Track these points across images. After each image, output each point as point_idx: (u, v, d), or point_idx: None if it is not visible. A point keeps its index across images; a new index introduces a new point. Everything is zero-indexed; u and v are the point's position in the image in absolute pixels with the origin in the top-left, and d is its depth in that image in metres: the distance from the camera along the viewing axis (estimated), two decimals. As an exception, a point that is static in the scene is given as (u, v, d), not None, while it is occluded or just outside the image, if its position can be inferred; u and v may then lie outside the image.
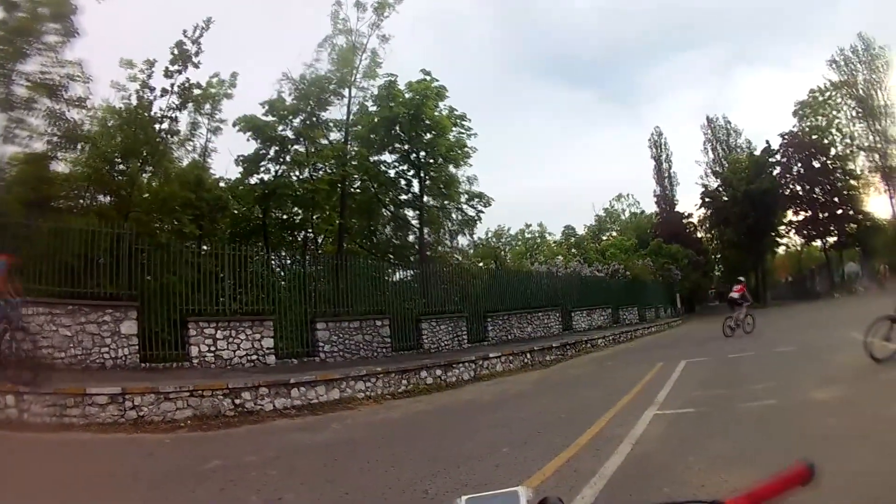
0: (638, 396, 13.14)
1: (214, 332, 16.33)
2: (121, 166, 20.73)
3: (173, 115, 21.66)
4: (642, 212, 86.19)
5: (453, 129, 30.26)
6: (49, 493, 7.16)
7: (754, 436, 8.44)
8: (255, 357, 16.89)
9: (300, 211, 26.90)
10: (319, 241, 30.54)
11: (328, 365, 18.01)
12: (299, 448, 10.11)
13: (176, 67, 21.16)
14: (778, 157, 66.26)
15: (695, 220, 75.30)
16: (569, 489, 6.64)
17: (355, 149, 28.16)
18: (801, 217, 66.80)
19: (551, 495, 1.68)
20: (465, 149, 31.01)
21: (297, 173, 25.64)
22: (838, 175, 63.23)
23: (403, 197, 31.34)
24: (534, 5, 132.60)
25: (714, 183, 73.16)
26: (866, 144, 62.69)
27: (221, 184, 25.01)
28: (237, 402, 12.60)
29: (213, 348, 16.18)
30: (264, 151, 25.16)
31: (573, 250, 66.77)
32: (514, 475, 7.32)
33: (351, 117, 27.77)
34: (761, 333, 25.72)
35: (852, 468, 6.05)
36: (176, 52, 21.16)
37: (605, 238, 75.97)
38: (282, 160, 25.33)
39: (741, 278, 32.91)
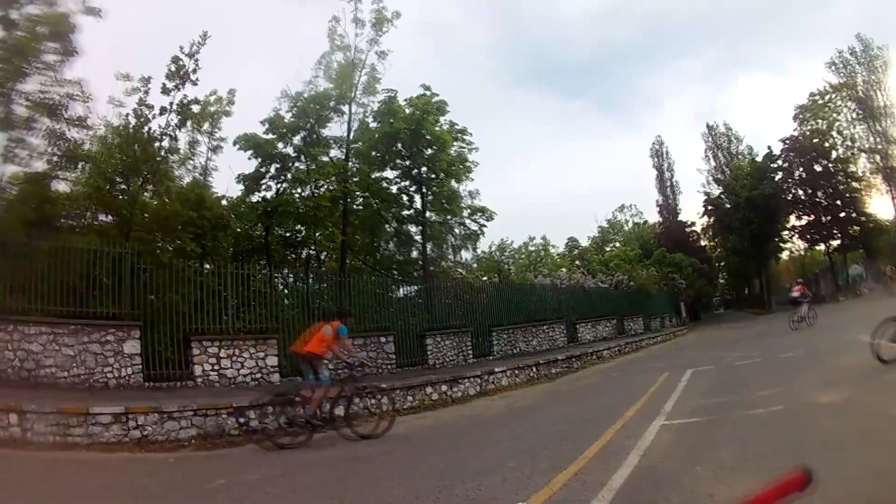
0: (645, 407, 13.06)
1: (218, 350, 16.29)
2: (122, 185, 20.67)
3: (173, 133, 21.53)
4: (645, 221, 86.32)
5: (454, 143, 30.29)
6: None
7: (762, 443, 8.36)
8: (259, 375, 16.81)
9: (302, 228, 26.86)
10: (322, 258, 30.50)
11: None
12: (304, 465, 10.04)
13: (173, 84, 20.96)
14: (780, 162, 66.15)
15: (698, 228, 75.46)
16: (577, 503, 6.57)
17: (356, 165, 28.16)
18: (804, 221, 66.53)
19: None
20: (467, 163, 31.13)
21: (299, 191, 25.60)
22: (840, 178, 62.83)
23: (406, 213, 31.42)
24: (527, 15, 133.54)
25: (716, 190, 73.29)
26: (867, 146, 62.50)
27: (223, 202, 24.97)
28: (242, 420, 12.54)
29: (216, 367, 16.13)
30: (265, 169, 25.14)
31: (577, 262, 66.62)
32: (522, 490, 7.25)
33: (351, 134, 27.85)
34: (768, 336, 25.70)
35: (858, 472, 6.15)
36: (173, 68, 20.97)
37: (608, 249, 75.83)
38: (283, 178, 25.32)
39: (800, 279, 34.94)
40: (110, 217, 20.67)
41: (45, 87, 18.54)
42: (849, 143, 64.08)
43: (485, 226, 33.96)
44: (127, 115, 21.03)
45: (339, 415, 12.77)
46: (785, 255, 77.25)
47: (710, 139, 78.48)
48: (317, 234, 27.57)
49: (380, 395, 14.57)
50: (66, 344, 13.61)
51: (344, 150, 27.75)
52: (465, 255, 39.36)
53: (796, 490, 1.55)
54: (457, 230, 33.89)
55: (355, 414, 13.33)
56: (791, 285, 36.47)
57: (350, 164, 27.73)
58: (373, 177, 29.23)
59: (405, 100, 29.13)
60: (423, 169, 29.77)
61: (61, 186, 20.45)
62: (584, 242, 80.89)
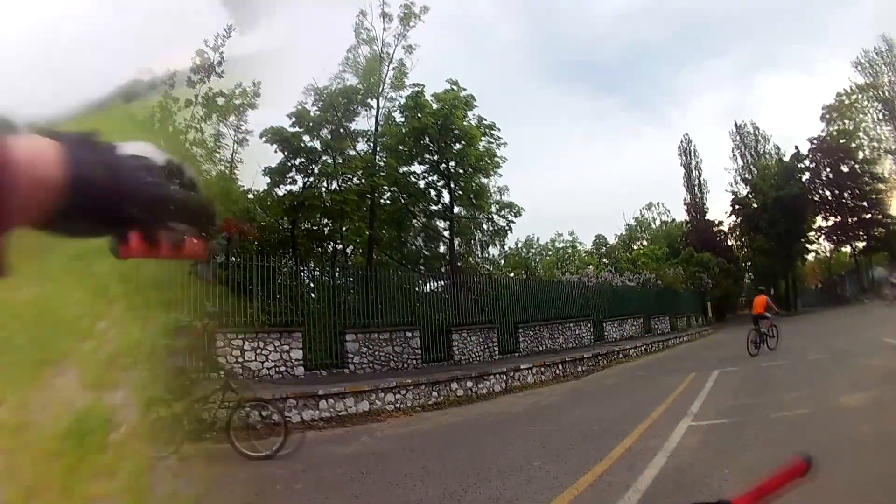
0: (672, 407, 12.96)
1: (242, 343, 16.26)
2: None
3: (198, 126, 21.50)
4: (673, 220, 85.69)
5: (483, 138, 30.06)
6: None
7: (789, 446, 8.21)
8: (283, 369, 16.80)
9: (329, 222, 26.83)
10: (349, 251, 30.56)
11: (358, 376, 17.94)
12: (327, 461, 9.97)
13: (198, 77, 20.93)
14: (807, 162, 65.83)
15: (725, 227, 74.99)
16: (602, 504, 6.49)
17: (384, 160, 28.12)
18: (830, 223, 66.43)
19: None
20: (495, 158, 30.84)
21: (326, 184, 25.57)
22: (866, 179, 62.79)
23: (434, 207, 31.24)
24: (556, 12, 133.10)
25: (744, 190, 72.98)
26: (893, 148, 62.14)
27: (249, 195, 25.03)
28: (264, 413, 12.52)
29: (240, 360, 16.10)
30: (291, 163, 25.11)
31: (604, 260, 66.47)
32: (546, 490, 7.18)
33: (378, 128, 27.77)
34: (795, 336, 25.59)
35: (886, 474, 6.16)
36: (197, 61, 20.94)
37: (636, 247, 75.59)
38: (309, 171, 25.28)
39: None
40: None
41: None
42: (875, 144, 63.87)
43: (513, 222, 34.08)
44: (152, 107, 21.09)
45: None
46: (811, 256, 76.77)
47: (738, 138, 78.08)
48: (343, 229, 27.55)
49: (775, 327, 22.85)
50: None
51: (371, 144, 27.74)
52: (493, 251, 39.53)
53: (798, 477, 1.55)
54: (485, 226, 33.97)
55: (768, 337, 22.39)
56: (890, 274, 44.28)
57: (377, 158, 27.71)
58: (400, 171, 29.18)
59: (432, 94, 28.95)
60: (452, 164, 29.52)
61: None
62: (612, 240, 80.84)
